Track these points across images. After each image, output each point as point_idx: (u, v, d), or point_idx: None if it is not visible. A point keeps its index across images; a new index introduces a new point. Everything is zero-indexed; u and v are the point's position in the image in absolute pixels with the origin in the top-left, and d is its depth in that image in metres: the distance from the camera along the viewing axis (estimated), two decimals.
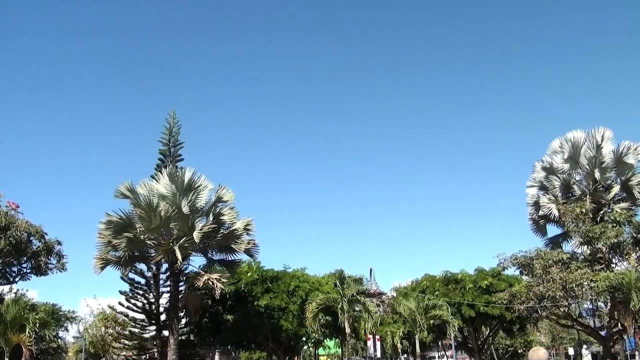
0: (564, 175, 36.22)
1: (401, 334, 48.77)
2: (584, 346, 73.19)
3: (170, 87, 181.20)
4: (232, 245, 31.91)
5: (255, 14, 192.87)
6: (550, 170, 36.74)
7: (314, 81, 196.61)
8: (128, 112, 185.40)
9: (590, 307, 36.75)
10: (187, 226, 30.10)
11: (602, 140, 34.99)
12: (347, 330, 39.31)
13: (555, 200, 35.65)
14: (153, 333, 36.47)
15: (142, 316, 36.69)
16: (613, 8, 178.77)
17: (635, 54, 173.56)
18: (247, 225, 31.78)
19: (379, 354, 44.02)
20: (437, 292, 48.06)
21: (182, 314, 34.30)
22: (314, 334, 43.14)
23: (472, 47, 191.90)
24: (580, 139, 35.48)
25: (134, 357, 37.86)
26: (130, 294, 36.18)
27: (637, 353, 36.93)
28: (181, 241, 29.29)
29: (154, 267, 35.19)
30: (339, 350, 62.38)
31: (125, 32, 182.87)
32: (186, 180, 30.17)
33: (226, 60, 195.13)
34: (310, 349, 66.66)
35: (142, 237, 30.07)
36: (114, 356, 46.64)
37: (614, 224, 31.73)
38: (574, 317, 36.59)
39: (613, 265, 32.51)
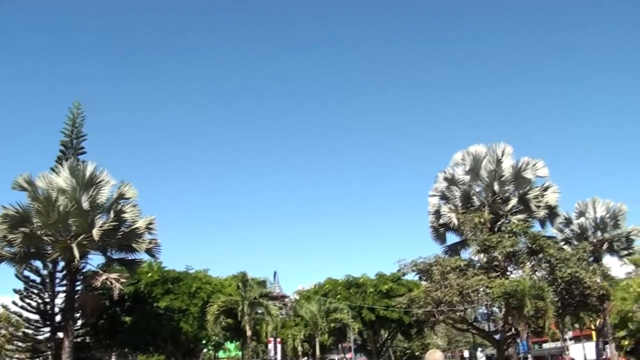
0: (465, 187, 37.68)
1: (302, 336, 48.99)
2: (479, 349, 76.35)
3: (77, 82, 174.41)
4: (133, 244, 30.96)
5: (162, 13, 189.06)
6: (451, 181, 38.09)
7: (223, 81, 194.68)
8: (30, 102, 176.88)
9: (486, 312, 38.33)
10: (86, 223, 29.02)
11: (502, 155, 36.72)
12: (249, 333, 39.06)
13: (455, 210, 36.98)
14: (47, 335, 34.75)
15: (36, 317, 34.93)
16: (519, 18, 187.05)
17: (537, 76, 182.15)
18: (150, 224, 30.97)
19: (279, 357, 43.88)
20: (339, 296, 48.59)
21: (78, 315, 32.95)
22: (214, 337, 42.60)
23: (388, 57, 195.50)
24: (482, 153, 37.04)
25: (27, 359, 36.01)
26: (25, 293, 34.30)
27: (529, 356, 38.74)
28: (79, 238, 28.18)
29: (50, 265, 33.55)
30: (240, 353, 61.89)
31: (31, 24, 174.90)
32: (87, 174, 29.13)
33: (135, 57, 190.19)
34: (211, 351, 65.83)
35: (39, 232, 28.65)
36: (6, 359, 44.16)
37: (510, 234, 33.26)
38: (470, 321, 38.10)
39: (508, 273, 34.03)
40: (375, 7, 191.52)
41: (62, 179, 29.20)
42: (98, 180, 29.44)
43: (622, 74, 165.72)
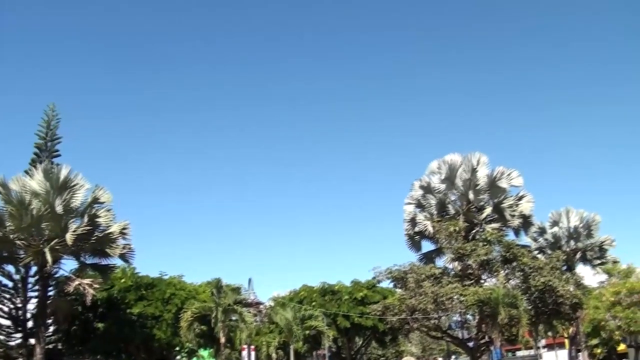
0: (440, 195, 38.03)
1: (277, 344, 48.79)
2: (453, 357, 76.82)
3: (52, 84, 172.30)
4: (107, 249, 30.64)
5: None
6: (427, 189, 38.41)
7: (198, 88, 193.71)
8: (4, 104, 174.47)
9: (460, 319, 38.60)
10: (59, 227, 28.64)
11: (477, 165, 37.17)
12: (222, 340, 38.82)
13: (430, 218, 37.33)
14: (19, 341, 34.16)
15: (8, 322, 34.31)
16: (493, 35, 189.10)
17: (510, 86, 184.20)
18: (124, 228, 30.74)
19: None
20: (314, 303, 48.57)
21: (50, 321, 32.58)
22: (187, 344, 42.24)
23: (359, 75, 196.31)
24: (457, 162, 37.46)
25: None
26: None
27: None
28: (52, 243, 27.80)
29: (23, 270, 33.06)
30: None
31: (5, 25, 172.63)
32: (62, 177, 28.79)
33: (112, 61, 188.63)
34: (184, 359, 65.30)
35: (11, 236, 28.22)
36: None
37: (485, 243, 33.69)
38: (444, 329, 38.38)
39: (482, 281, 34.42)
40: (352, 15, 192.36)
41: (36, 182, 28.85)
42: (72, 184, 29.08)
43: (596, 84, 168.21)
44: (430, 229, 36.49)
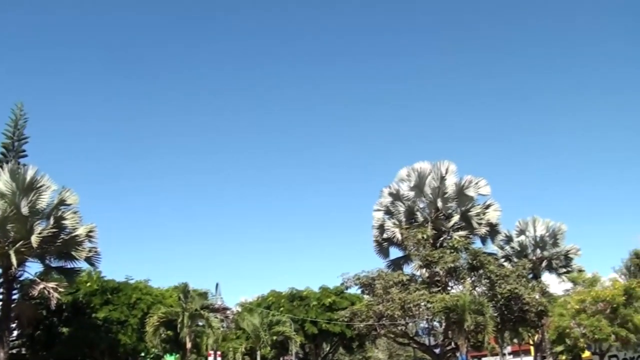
0: (409, 202, 38.41)
1: (243, 349, 48.52)
2: None
3: (20, 84, 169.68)
4: (73, 252, 30.28)
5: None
6: (396, 197, 38.74)
7: (170, 92, 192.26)
8: None
9: (426, 326, 38.96)
10: (25, 229, 28.25)
11: (446, 173, 37.65)
12: (188, 345, 38.56)
13: (399, 225, 37.68)
14: None
15: None
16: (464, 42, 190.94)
17: (479, 94, 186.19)
18: (90, 231, 30.41)
19: None
20: (282, 309, 48.53)
21: (14, 325, 32.10)
22: (153, 349, 41.84)
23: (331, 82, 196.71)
24: (427, 169, 37.92)
25: None
26: None
27: None
28: (18, 245, 27.43)
29: None
30: None
31: None
32: (28, 178, 28.41)
33: (82, 63, 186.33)
34: None
35: None
36: None
37: (452, 250, 34.16)
38: (411, 335, 38.68)
39: (449, 288, 34.86)
40: (317, 18, 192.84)
41: (2, 182, 28.38)
42: (38, 185, 28.71)
43: (566, 92, 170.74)
44: (399, 235, 36.80)
